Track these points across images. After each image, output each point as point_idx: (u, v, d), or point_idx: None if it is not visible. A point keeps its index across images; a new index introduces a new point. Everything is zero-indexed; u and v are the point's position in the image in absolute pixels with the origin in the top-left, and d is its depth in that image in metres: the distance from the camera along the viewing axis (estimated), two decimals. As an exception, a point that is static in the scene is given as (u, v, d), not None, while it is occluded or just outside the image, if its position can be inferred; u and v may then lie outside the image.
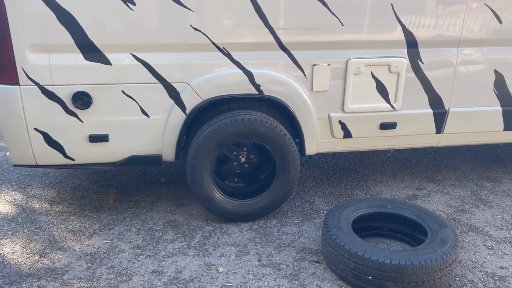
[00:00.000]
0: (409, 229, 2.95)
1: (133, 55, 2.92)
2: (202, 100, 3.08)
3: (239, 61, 3.06)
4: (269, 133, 3.03)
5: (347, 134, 3.42)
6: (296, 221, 3.27)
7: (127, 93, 2.98)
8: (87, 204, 3.53)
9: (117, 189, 3.80)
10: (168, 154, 3.19)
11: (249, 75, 3.07)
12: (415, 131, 3.52)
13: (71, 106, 2.93)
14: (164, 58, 2.95)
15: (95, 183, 3.90)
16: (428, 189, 3.83)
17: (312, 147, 3.41)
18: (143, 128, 3.08)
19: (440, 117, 3.49)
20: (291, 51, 3.12)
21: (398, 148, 3.60)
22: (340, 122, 3.36)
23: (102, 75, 2.90)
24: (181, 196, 3.67)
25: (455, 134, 3.60)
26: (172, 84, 3.02)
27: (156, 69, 2.96)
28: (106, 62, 2.89)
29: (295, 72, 3.16)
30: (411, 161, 4.45)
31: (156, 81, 2.99)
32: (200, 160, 3.02)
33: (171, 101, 3.05)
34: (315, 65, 3.16)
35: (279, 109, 3.31)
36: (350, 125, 3.38)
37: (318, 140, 3.41)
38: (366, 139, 3.49)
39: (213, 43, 2.99)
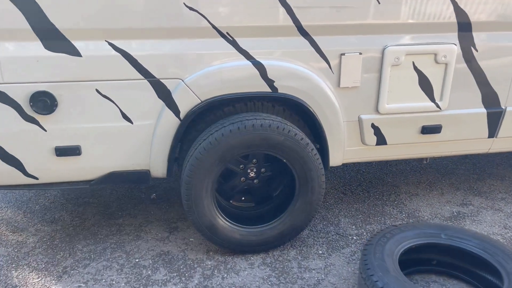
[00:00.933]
0: (468, 264, 2.32)
1: (110, 44, 2.26)
2: (200, 101, 2.42)
3: (247, 50, 2.40)
4: (287, 142, 2.38)
5: (381, 141, 2.77)
6: (320, 252, 2.63)
7: (103, 93, 2.32)
8: (58, 230, 2.87)
9: (97, 209, 3.14)
10: (158, 169, 2.54)
11: (260, 68, 2.41)
12: (464, 135, 2.88)
13: (29, 111, 2.27)
14: (150, 47, 2.30)
15: (70, 201, 3.24)
16: (475, 204, 3.19)
17: (337, 157, 2.76)
18: (125, 137, 2.43)
19: (494, 118, 2.85)
20: (313, 37, 2.46)
21: (440, 156, 2.96)
22: (373, 125, 2.71)
23: (69, 70, 2.25)
24: (176, 218, 3.02)
25: (511, 139, 2.96)
26: (161, 80, 2.36)
27: (139, 61, 2.30)
28: (74, 52, 2.23)
29: (318, 63, 2.50)
30: (447, 168, 3.81)
31: (141, 76, 2.33)
32: (199, 179, 2.37)
33: (161, 103, 2.40)
34: (343, 54, 2.50)
35: (297, 111, 2.66)
36: (385, 130, 2.74)
37: (344, 148, 2.76)
38: (404, 146, 2.85)
39: (214, 27, 2.33)
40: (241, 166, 2.62)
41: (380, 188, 3.47)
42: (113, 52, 2.27)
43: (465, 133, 2.87)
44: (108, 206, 3.19)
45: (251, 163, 2.62)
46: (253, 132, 2.34)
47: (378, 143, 2.78)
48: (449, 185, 3.51)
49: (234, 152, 2.37)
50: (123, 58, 2.29)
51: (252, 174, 2.66)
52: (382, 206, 3.18)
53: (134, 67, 2.31)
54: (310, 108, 2.56)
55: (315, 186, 2.50)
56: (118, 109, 2.37)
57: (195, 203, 2.41)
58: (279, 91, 2.50)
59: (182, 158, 2.61)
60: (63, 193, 3.36)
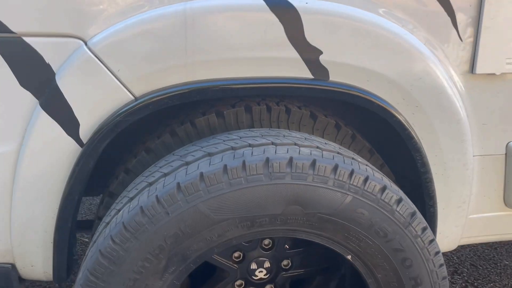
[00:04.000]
0: None
1: None
2: (132, 98, 0.96)
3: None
4: (361, 211, 0.88)
5: (548, 199, 1.28)
6: None
7: None
8: None
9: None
10: (33, 261, 1.10)
11: (288, 16, 1.00)
12: None
13: None
14: None
15: None
16: None
17: (451, 234, 1.33)
18: None
19: None
20: None
21: None
22: (538, 166, 1.23)
23: None
24: None
25: None
26: (25, 40, 0.91)
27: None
28: None
29: (423, 11, 1.05)
30: None
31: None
32: None
33: (28, 99, 0.94)
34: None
35: (365, 128, 1.22)
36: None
37: (466, 215, 1.27)
38: None
39: None
40: (235, 255, 1.14)
41: (498, 280, 1.94)
42: None
43: None
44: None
45: (260, 249, 1.14)
46: (266, 182, 0.85)
47: (540, 204, 1.29)
48: None
49: (213, 239, 0.88)
50: None
51: (261, 274, 1.17)
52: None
53: None
54: (404, 124, 1.09)
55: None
56: None
57: None
58: (332, 78, 1.05)
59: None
60: None
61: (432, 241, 0.96)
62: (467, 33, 1.11)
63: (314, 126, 1.16)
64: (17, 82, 0.97)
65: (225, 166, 0.84)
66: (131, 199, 0.89)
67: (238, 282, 1.21)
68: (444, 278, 0.99)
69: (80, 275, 0.88)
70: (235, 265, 1.17)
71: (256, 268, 1.18)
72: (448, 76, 1.12)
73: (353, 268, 1.17)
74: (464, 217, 1.29)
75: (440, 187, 1.21)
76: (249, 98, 1.13)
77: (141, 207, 0.83)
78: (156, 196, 0.84)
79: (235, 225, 0.87)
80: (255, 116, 1.12)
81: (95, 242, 0.89)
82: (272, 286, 1.22)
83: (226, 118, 1.11)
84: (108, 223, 0.89)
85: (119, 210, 0.89)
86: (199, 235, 0.86)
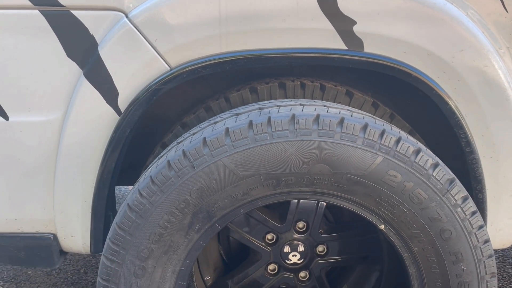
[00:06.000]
0: None
1: None
2: (168, 69, 1.02)
3: None
4: (394, 173, 0.85)
5: None
6: None
7: None
8: None
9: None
10: (73, 231, 1.14)
11: None
12: None
13: None
14: None
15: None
16: None
17: (504, 226, 1.24)
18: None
19: None
20: None
21: None
22: None
23: None
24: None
25: None
26: (73, 13, 1.01)
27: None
28: None
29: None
30: None
31: (25, 1, 0.99)
32: (134, 268, 0.87)
33: (73, 69, 1.03)
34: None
35: (411, 105, 1.18)
36: None
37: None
38: None
39: None
40: (268, 237, 1.12)
41: None
42: None
43: None
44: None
45: (294, 231, 1.12)
46: (291, 138, 0.85)
47: None
48: None
49: (238, 197, 0.87)
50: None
51: (294, 259, 1.15)
52: None
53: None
54: (445, 99, 1.06)
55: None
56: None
57: None
58: (367, 49, 1.05)
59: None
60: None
61: (474, 212, 0.89)
62: (514, 3, 1.06)
63: (349, 104, 1.14)
64: (65, 53, 1.04)
65: (251, 121, 0.85)
66: (160, 157, 0.91)
67: (271, 267, 1.19)
68: (490, 256, 0.90)
69: (110, 230, 0.91)
70: (268, 247, 1.15)
71: (289, 251, 1.15)
72: (493, 49, 1.07)
73: (392, 257, 1.12)
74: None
75: (489, 172, 1.12)
76: (282, 74, 1.14)
77: (168, 161, 0.85)
78: (183, 150, 0.85)
79: (260, 182, 0.86)
80: (288, 92, 1.12)
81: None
82: (307, 272, 1.19)
83: (260, 94, 1.12)
84: (137, 181, 0.92)
85: (148, 169, 0.92)
86: (224, 191, 0.86)
